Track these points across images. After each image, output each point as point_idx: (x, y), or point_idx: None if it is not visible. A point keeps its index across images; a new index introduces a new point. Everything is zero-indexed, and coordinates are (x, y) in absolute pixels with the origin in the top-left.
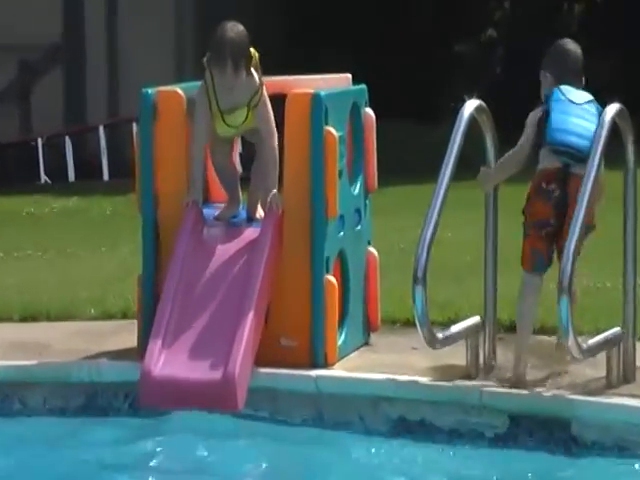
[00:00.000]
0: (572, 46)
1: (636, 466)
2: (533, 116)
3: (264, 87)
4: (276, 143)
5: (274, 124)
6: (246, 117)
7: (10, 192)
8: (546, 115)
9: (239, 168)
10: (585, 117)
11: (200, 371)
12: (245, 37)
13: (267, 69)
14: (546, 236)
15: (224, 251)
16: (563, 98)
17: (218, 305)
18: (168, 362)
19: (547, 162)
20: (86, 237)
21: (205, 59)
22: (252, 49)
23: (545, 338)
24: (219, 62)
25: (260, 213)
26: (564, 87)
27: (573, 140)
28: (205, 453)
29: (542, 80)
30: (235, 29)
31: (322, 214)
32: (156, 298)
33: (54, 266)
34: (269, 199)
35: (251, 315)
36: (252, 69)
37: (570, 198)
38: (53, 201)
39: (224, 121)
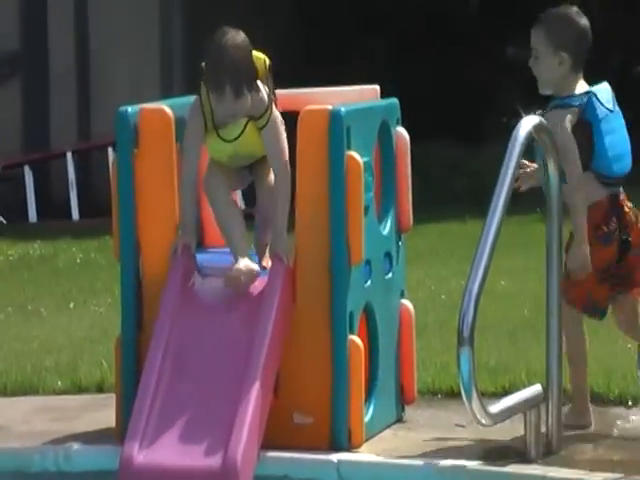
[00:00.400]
0: (583, 18)
1: None
2: (567, 133)
3: (274, 105)
4: (288, 173)
5: (286, 151)
6: (243, 129)
7: None
8: (590, 134)
9: (241, 204)
10: (624, 127)
11: (194, 457)
12: (247, 51)
13: (283, 81)
14: (610, 278)
15: (222, 308)
16: (604, 110)
17: (216, 375)
18: (154, 446)
19: (595, 194)
20: (52, 291)
21: (201, 78)
22: (259, 54)
23: (624, 409)
24: (216, 87)
25: (269, 262)
26: (596, 90)
27: (627, 164)
28: None
29: (547, 61)
30: (235, 42)
31: (344, 260)
32: (139, 365)
33: (12, 328)
34: (277, 247)
35: (256, 387)
36: (259, 83)
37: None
38: (10, 247)
39: (218, 135)
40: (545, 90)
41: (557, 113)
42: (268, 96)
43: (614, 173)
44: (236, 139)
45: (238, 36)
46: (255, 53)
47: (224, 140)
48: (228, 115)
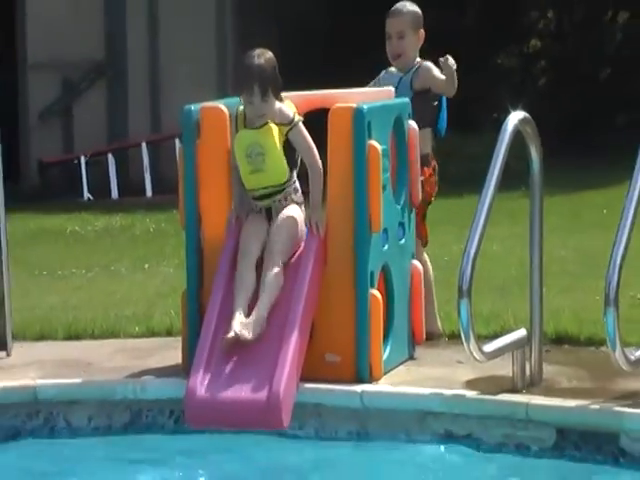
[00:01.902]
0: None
1: None
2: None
3: (297, 117)
4: (318, 160)
5: (313, 145)
6: (267, 123)
7: (54, 210)
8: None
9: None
10: None
11: (245, 391)
12: (273, 64)
13: (304, 82)
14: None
15: None
16: None
17: None
18: (213, 380)
19: (430, 145)
20: (130, 255)
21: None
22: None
23: (592, 349)
24: (246, 90)
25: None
26: None
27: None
28: (250, 469)
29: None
30: (263, 56)
31: (366, 228)
32: (201, 315)
33: (98, 284)
34: (313, 218)
35: (296, 333)
36: (284, 103)
37: None
38: (96, 219)
39: (245, 127)
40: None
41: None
42: (294, 113)
43: (441, 133)
44: (259, 128)
45: (266, 52)
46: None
47: (249, 128)
48: (257, 115)
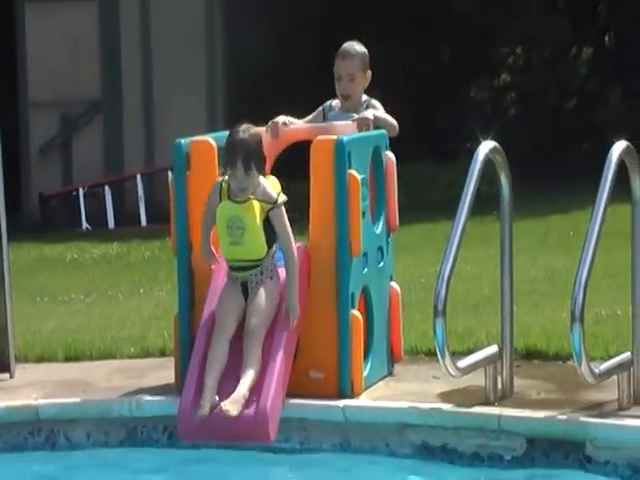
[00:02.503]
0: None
1: None
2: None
3: (281, 197)
4: (294, 249)
5: (290, 229)
6: (249, 199)
7: (54, 240)
8: None
9: None
10: None
11: None
12: (257, 139)
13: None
14: None
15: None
16: None
17: None
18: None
19: None
20: (126, 280)
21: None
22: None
23: (560, 364)
24: (230, 163)
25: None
26: None
27: None
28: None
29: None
30: (247, 131)
31: (347, 253)
32: (192, 336)
33: (96, 308)
34: (284, 306)
35: (281, 351)
36: (268, 183)
37: None
38: (94, 247)
39: (229, 198)
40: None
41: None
42: (277, 194)
43: None
44: (242, 202)
45: (251, 128)
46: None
47: (232, 201)
48: (240, 188)
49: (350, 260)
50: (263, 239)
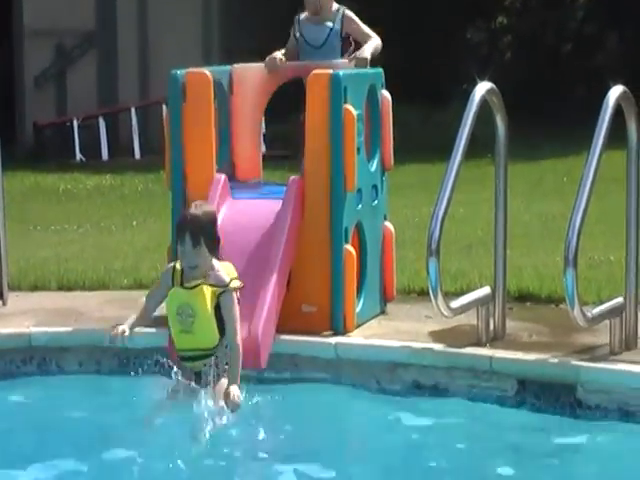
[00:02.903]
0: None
1: (636, 428)
2: None
3: (234, 282)
4: (239, 341)
5: (237, 316)
6: (200, 284)
7: (48, 170)
8: None
9: (263, 147)
10: None
11: None
12: (211, 218)
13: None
14: None
15: (249, 222)
16: None
17: (243, 272)
18: None
19: None
20: (119, 212)
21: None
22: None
23: (552, 307)
24: (180, 238)
25: (220, 402)
26: None
27: None
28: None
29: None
30: (201, 208)
31: (341, 187)
32: None
33: (89, 239)
34: (228, 392)
35: (273, 281)
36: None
37: None
38: (88, 178)
39: (181, 285)
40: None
41: None
42: (231, 279)
43: None
44: (192, 288)
45: (205, 205)
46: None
47: (184, 287)
48: (190, 266)
49: (344, 195)
50: (215, 327)
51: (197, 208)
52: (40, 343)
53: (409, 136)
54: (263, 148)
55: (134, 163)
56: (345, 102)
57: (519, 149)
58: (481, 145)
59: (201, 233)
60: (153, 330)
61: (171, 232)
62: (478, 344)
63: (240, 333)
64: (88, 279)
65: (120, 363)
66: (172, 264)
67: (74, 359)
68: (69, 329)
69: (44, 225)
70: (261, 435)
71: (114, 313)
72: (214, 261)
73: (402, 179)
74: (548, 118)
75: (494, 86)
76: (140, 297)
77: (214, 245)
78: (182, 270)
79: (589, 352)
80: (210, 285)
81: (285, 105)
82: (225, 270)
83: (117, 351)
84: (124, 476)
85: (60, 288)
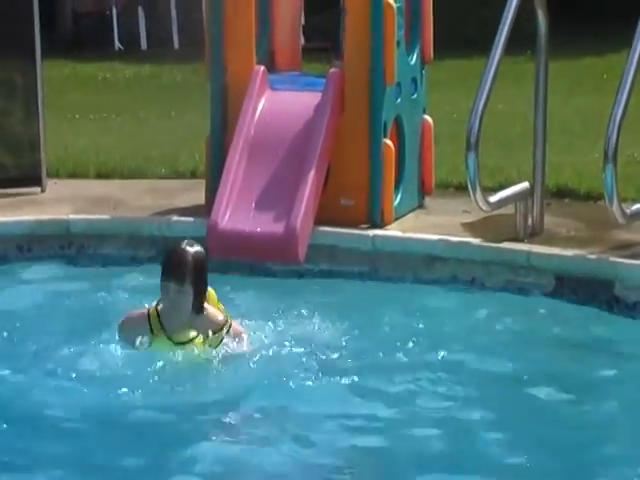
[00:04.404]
0: None
1: None
2: None
3: (230, 323)
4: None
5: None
6: (193, 339)
7: (87, 58)
8: None
9: (301, 39)
10: None
11: (264, 224)
12: (201, 257)
13: None
14: None
15: (288, 114)
16: None
17: (281, 165)
18: (234, 216)
19: None
20: (157, 102)
21: None
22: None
23: (591, 203)
24: (163, 274)
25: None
26: None
27: None
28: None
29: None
30: (189, 247)
31: (381, 80)
32: (223, 159)
33: (127, 128)
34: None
35: (312, 174)
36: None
37: None
38: (126, 68)
39: (167, 337)
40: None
41: None
42: (224, 318)
43: None
44: (184, 344)
45: (195, 244)
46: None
47: (170, 340)
48: (172, 308)
49: (384, 88)
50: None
51: (187, 245)
52: (78, 230)
53: (448, 31)
54: (302, 40)
55: (173, 53)
56: None
57: (558, 46)
58: (522, 41)
59: (187, 272)
60: (191, 219)
61: (210, 121)
62: (516, 239)
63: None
64: (126, 168)
65: (158, 252)
66: (144, 310)
67: (111, 247)
68: (107, 217)
69: (83, 114)
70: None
71: (152, 202)
72: (205, 310)
73: (441, 75)
74: (589, 15)
75: None
76: (177, 186)
77: (203, 290)
78: (158, 316)
79: (627, 249)
80: (208, 336)
81: None
82: (212, 306)
83: (155, 240)
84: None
85: (98, 176)
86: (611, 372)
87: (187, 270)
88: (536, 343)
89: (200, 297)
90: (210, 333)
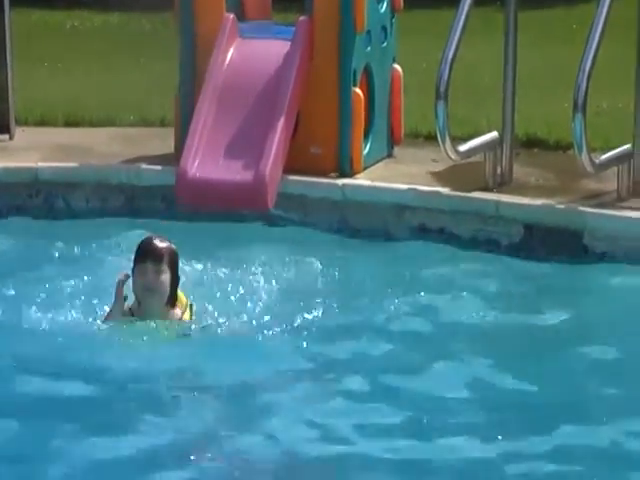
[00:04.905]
0: None
1: None
2: None
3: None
4: None
5: None
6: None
7: (55, 7)
8: None
9: None
10: None
11: (233, 172)
12: (174, 251)
13: None
14: None
15: (257, 63)
16: None
17: (250, 113)
18: (203, 164)
19: None
20: (126, 51)
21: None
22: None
23: (560, 153)
24: (139, 261)
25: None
26: None
27: None
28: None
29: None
30: (164, 239)
31: (350, 28)
32: (192, 107)
33: (96, 77)
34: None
35: (281, 122)
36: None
37: None
38: (95, 16)
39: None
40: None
41: None
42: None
43: None
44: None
45: (165, 241)
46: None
47: (138, 318)
48: (151, 293)
49: (354, 36)
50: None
51: (160, 238)
52: (46, 178)
53: None
54: None
55: (142, 2)
56: None
57: None
58: None
59: (165, 259)
60: (160, 168)
61: (179, 70)
62: (485, 189)
63: None
64: (95, 115)
65: (126, 200)
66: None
67: (80, 195)
68: (75, 164)
69: (51, 62)
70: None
71: (121, 150)
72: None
73: (410, 24)
74: None
75: None
76: (146, 134)
77: (175, 284)
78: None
79: (596, 198)
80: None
81: None
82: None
83: (124, 188)
84: None
85: (67, 124)
86: (579, 320)
87: (164, 250)
88: (504, 293)
89: (174, 287)
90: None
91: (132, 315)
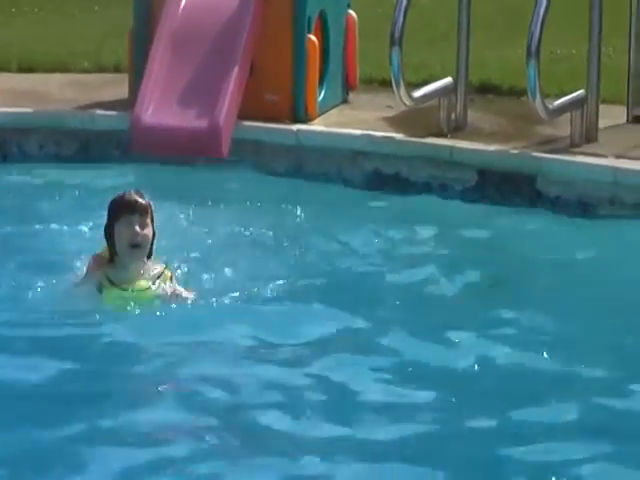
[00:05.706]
0: None
1: (594, 220)
2: None
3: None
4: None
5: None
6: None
7: None
8: None
9: None
10: None
11: (187, 119)
12: (150, 206)
13: None
14: None
15: (212, 9)
16: None
17: (205, 60)
18: (157, 110)
19: None
20: None
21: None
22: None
23: (514, 99)
24: (123, 212)
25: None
26: None
27: None
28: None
29: None
30: (142, 194)
31: None
32: (146, 53)
33: (50, 22)
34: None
35: (236, 69)
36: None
37: None
38: None
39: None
40: None
41: None
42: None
43: None
44: (137, 291)
45: (141, 193)
46: None
47: (121, 289)
48: (131, 243)
49: None
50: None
51: (139, 194)
52: (0, 123)
53: None
54: None
55: None
56: None
57: None
58: None
59: (148, 214)
60: (114, 113)
61: (133, 16)
62: (439, 134)
63: None
64: (49, 61)
65: (81, 146)
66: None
67: (35, 141)
68: (30, 110)
69: (4, 8)
70: None
71: (75, 96)
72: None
73: None
74: None
75: None
76: (100, 80)
77: (150, 219)
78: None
79: (550, 144)
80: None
81: None
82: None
83: (78, 133)
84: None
85: (21, 70)
86: (533, 264)
87: (147, 204)
88: (458, 238)
89: (153, 241)
90: (157, 281)
91: (110, 280)
